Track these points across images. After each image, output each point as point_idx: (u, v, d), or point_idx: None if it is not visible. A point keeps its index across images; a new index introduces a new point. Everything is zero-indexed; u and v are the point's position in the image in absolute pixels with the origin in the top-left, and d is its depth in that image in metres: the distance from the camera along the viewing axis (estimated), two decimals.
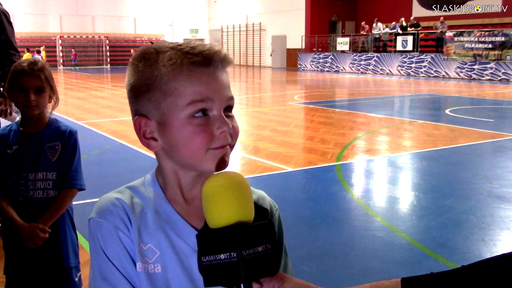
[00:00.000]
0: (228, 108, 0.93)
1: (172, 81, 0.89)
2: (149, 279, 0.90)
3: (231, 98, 0.93)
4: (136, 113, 0.94)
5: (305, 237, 4.09)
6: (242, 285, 0.75)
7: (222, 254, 0.74)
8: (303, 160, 6.90)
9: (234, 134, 0.93)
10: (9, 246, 2.21)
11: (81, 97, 16.13)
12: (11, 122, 2.39)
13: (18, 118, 2.29)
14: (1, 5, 3.99)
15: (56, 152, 2.19)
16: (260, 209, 0.88)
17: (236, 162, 6.63)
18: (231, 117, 0.93)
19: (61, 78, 24.79)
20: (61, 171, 2.19)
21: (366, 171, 6.40)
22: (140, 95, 0.92)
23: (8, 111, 3.75)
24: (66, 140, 2.22)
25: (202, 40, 38.84)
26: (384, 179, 5.97)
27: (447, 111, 11.70)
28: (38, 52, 25.70)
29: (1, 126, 2.49)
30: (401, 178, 6.11)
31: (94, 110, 12.58)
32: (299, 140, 8.45)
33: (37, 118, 2.20)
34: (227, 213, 0.78)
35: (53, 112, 2.29)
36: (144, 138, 0.94)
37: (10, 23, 4.08)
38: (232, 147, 0.94)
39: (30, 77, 2.12)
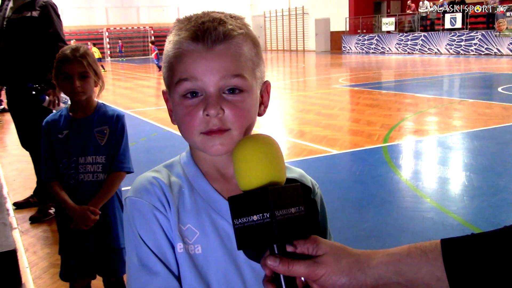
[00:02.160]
0: (233, 90, 0.85)
1: (169, 57, 0.89)
2: (190, 260, 0.86)
3: (235, 76, 0.84)
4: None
5: (352, 219, 4.05)
6: (275, 246, 0.74)
7: (255, 216, 0.72)
8: (349, 142, 6.81)
9: (230, 119, 0.85)
10: (62, 228, 2.29)
11: (128, 87, 16.50)
12: None
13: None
14: None
15: (104, 136, 2.25)
16: (302, 187, 0.85)
17: (281, 146, 6.61)
18: (231, 100, 0.85)
19: (108, 69, 25.38)
20: (109, 155, 2.24)
21: (415, 152, 6.25)
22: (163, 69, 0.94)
23: (56, 101, 3.88)
24: (114, 124, 2.27)
25: None
26: (433, 160, 5.82)
27: (499, 89, 11.25)
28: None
29: None
30: (451, 158, 5.94)
31: (141, 99, 12.84)
32: (344, 123, 8.34)
33: (85, 103, 2.27)
34: (259, 174, 0.75)
35: (102, 101, 2.35)
36: (170, 111, 0.94)
37: (58, 16, 4.18)
38: (235, 134, 0.86)
39: (73, 64, 2.18)
